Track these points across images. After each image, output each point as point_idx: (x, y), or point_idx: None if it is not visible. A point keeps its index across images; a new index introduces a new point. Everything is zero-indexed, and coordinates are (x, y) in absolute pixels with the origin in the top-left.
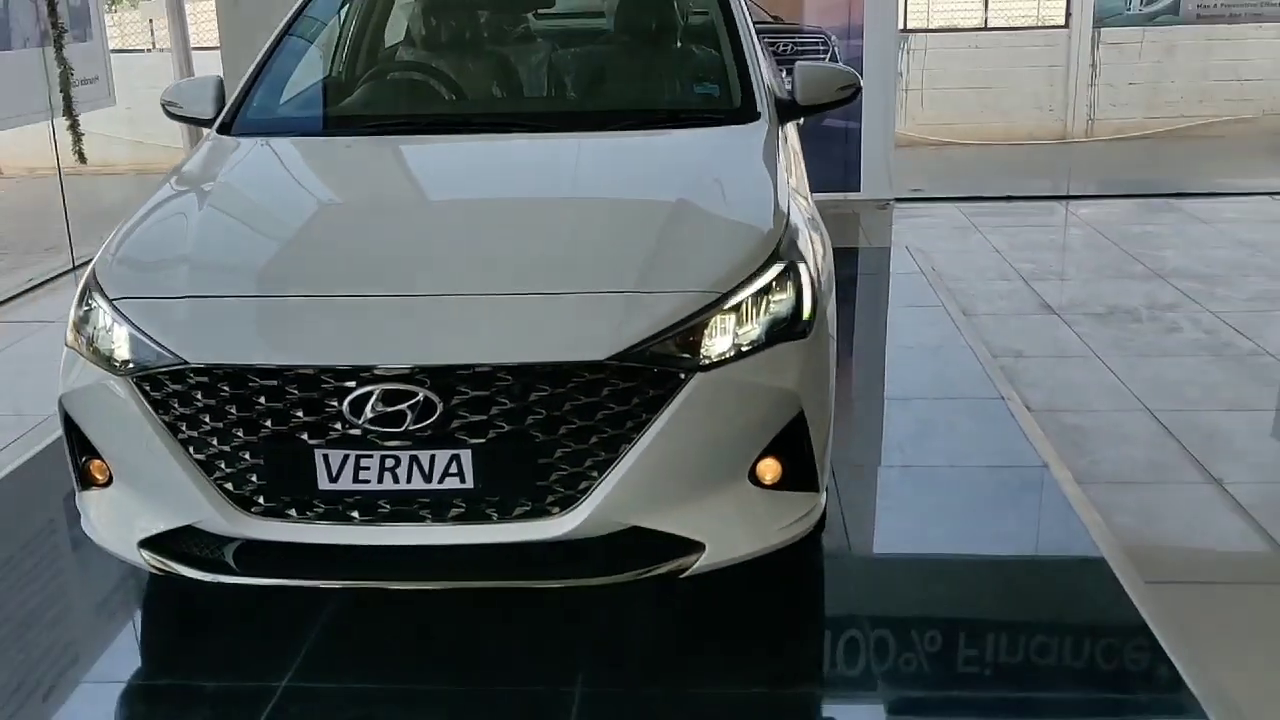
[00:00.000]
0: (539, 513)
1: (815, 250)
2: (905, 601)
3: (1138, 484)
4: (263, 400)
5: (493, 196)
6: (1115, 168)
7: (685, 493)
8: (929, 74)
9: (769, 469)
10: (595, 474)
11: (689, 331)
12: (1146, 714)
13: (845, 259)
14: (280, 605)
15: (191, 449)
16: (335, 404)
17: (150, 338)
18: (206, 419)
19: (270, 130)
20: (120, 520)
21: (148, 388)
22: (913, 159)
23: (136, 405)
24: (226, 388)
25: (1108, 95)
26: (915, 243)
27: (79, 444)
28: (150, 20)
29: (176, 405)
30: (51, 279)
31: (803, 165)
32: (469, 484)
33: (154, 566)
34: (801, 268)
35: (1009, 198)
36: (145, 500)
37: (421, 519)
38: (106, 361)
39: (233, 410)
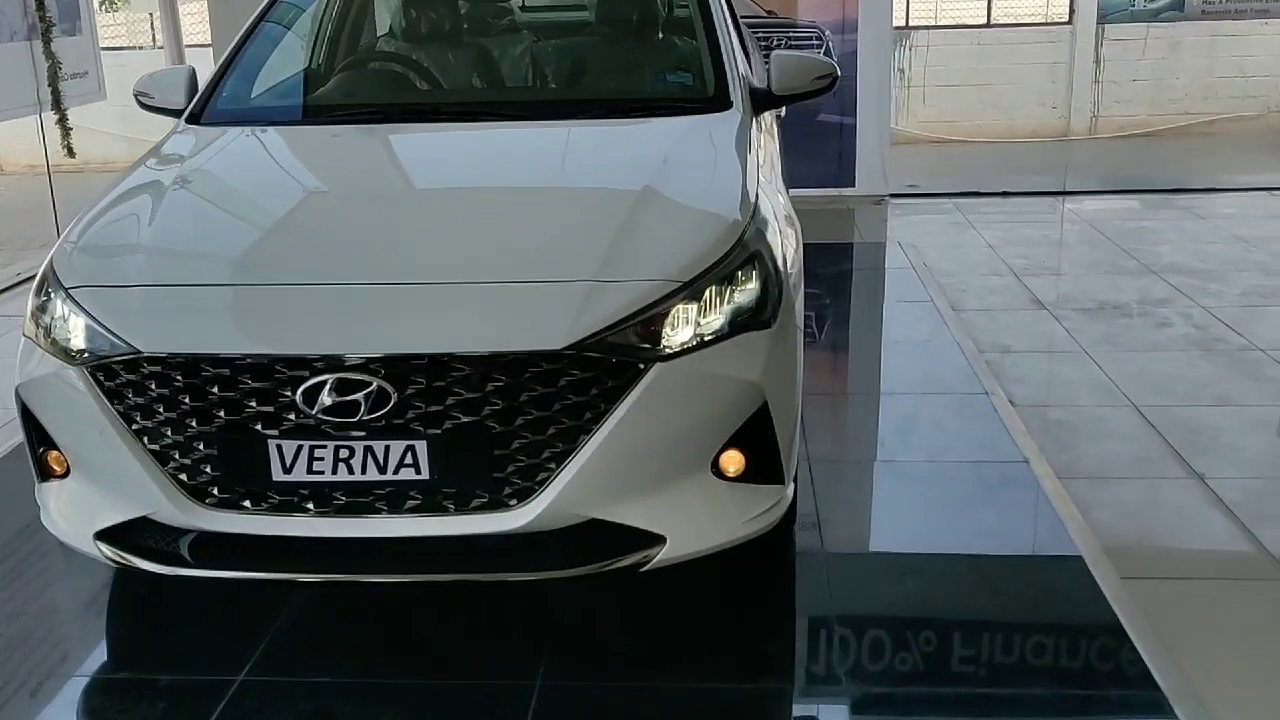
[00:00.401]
0: (496, 505)
1: (785, 241)
2: (877, 598)
3: (1119, 480)
4: (216, 390)
5: (455, 185)
6: (1117, 165)
7: (646, 485)
8: (931, 71)
9: (732, 461)
10: (553, 466)
11: (649, 321)
12: (1114, 712)
13: (837, 254)
14: (244, 598)
15: (146, 439)
16: (288, 394)
17: (104, 326)
18: (160, 409)
19: (240, 120)
20: (77, 512)
21: (102, 377)
22: (913, 156)
23: (91, 395)
24: (180, 377)
25: (1111, 92)
26: (908, 238)
27: (36, 435)
28: (151, 14)
29: (130, 395)
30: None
31: (777, 156)
32: (424, 475)
33: (110, 559)
34: (767, 257)
35: (1005, 194)
36: (101, 492)
37: (377, 511)
38: (62, 351)
39: (186, 400)
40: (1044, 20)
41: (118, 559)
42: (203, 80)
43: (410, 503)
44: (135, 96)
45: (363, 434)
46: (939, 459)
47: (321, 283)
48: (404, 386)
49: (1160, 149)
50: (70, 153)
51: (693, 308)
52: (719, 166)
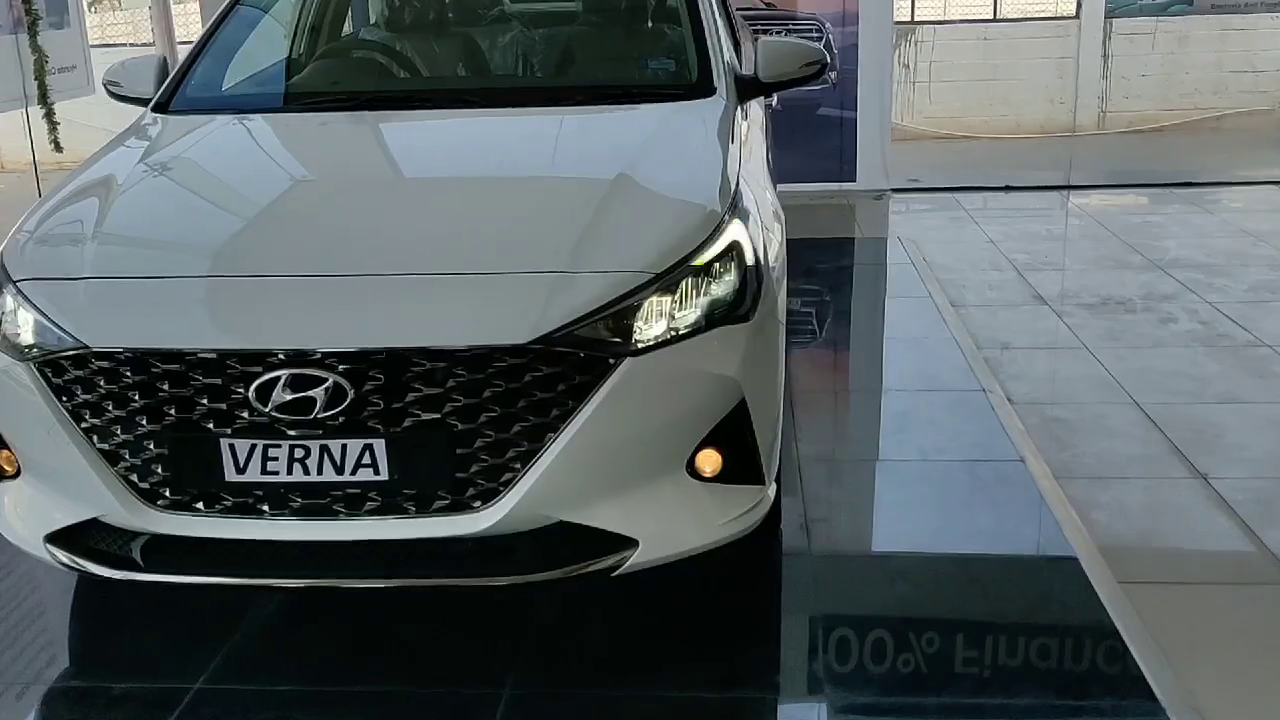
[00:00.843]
0: (459, 506)
1: (768, 233)
2: (864, 601)
3: (1118, 479)
4: (166, 387)
5: (422, 174)
6: (1124, 160)
7: (618, 485)
8: (937, 66)
9: (709, 460)
10: (519, 465)
11: (620, 314)
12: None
13: (836, 249)
14: (206, 602)
15: (95, 438)
16: (241, 390)
17: (51, 321)
18: (110, 407)
19: (209, 108)
20: (28, 514)
21: (50, 374)
22: (918, 152)
23: (39, 392)
24: (129, 373)
25: (1119, 87)
26: (908, 233)
27: None
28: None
29: (79, 392)
30: None
31: (765, 146)
32: (383, 476)
33: (62, 564)
34: (747, 248)
35: (1008, 188)
36: (51, 493)
37: (335, 513)
38: (11, 346)
39: (136, 397)
40: (1051, 15)
41: (70, 564)
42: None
43: (370, 504)
44: (104, 85)
45: (319, 433)
46: (932, 458)
47: (277, 274)
48: (361, 383)
49: (1168, 144)
50: (57, 147)
51: (667, 300)
52: (698, 154)
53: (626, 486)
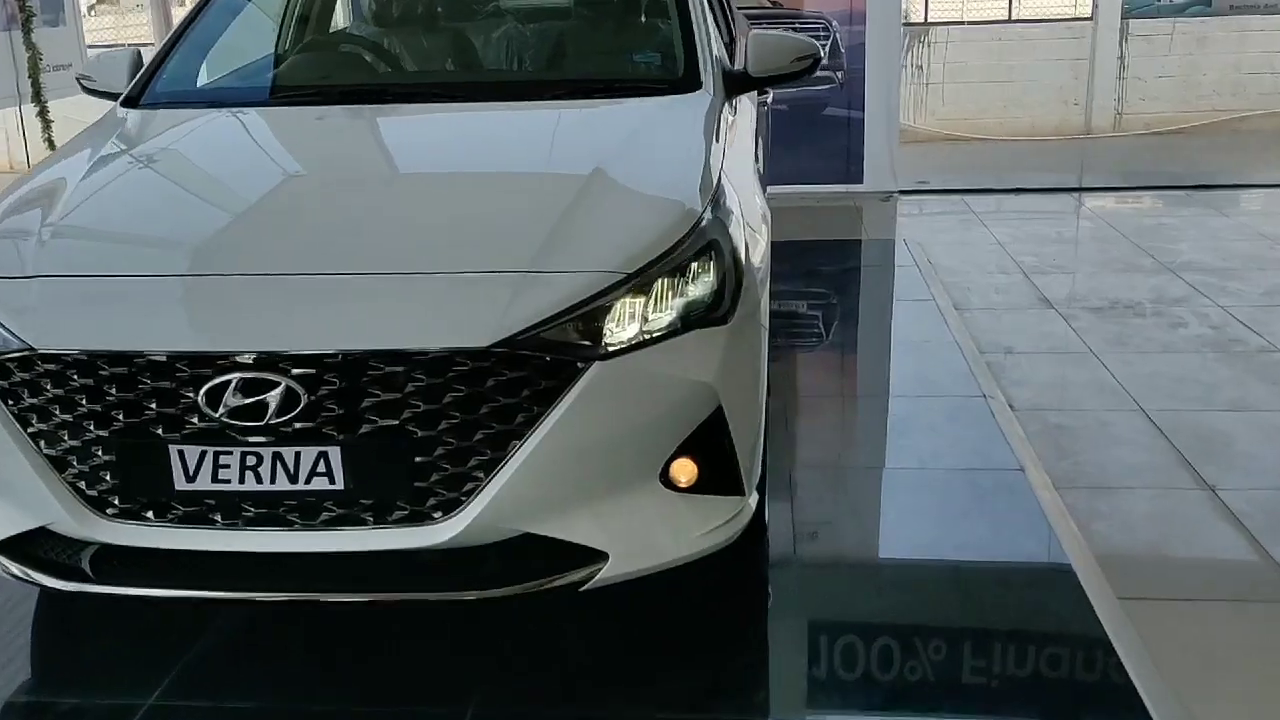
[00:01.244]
0: (418, 517)
1: (753, 233)
2: (852, 613)
3: (1121, 489)
4: (114, 390)
5: (393, 170)
6: (1140, 162)
7: (586, 496)
8: (950, 68)
9: (684, 470)
10: (481, 475)
11: (589, 316)
12: None
13: (840, 252)
14: (165, 615)
15: (42, 444)
16: (191, 394)
17: None
18: (57, 411)
19: (180, 103)
20: None
21: None
22: (929, 154)
23: None
24: (76, 376)
25: (1136, 89)
26: (914, 235)
27: None
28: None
29: (26, 395)
30: None
31: (753, 142)
32: (339, 485)
33: (11, 574)
34: (726, 248)
35: (1018, 190)
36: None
37: (289, 523)
38: None
39: (83, 401)
40: (1066, 16)
41: (19, 574)
42: None
43: (325, 515)
44: (78, 80)
45: (271, 439)
46: (928, 466)
47: (229, 273)
48: (315, 387)
49: (1186, 146)
50: (51, 146)
51: (640, 302)
52: (679, 150)
53: (596, 497)
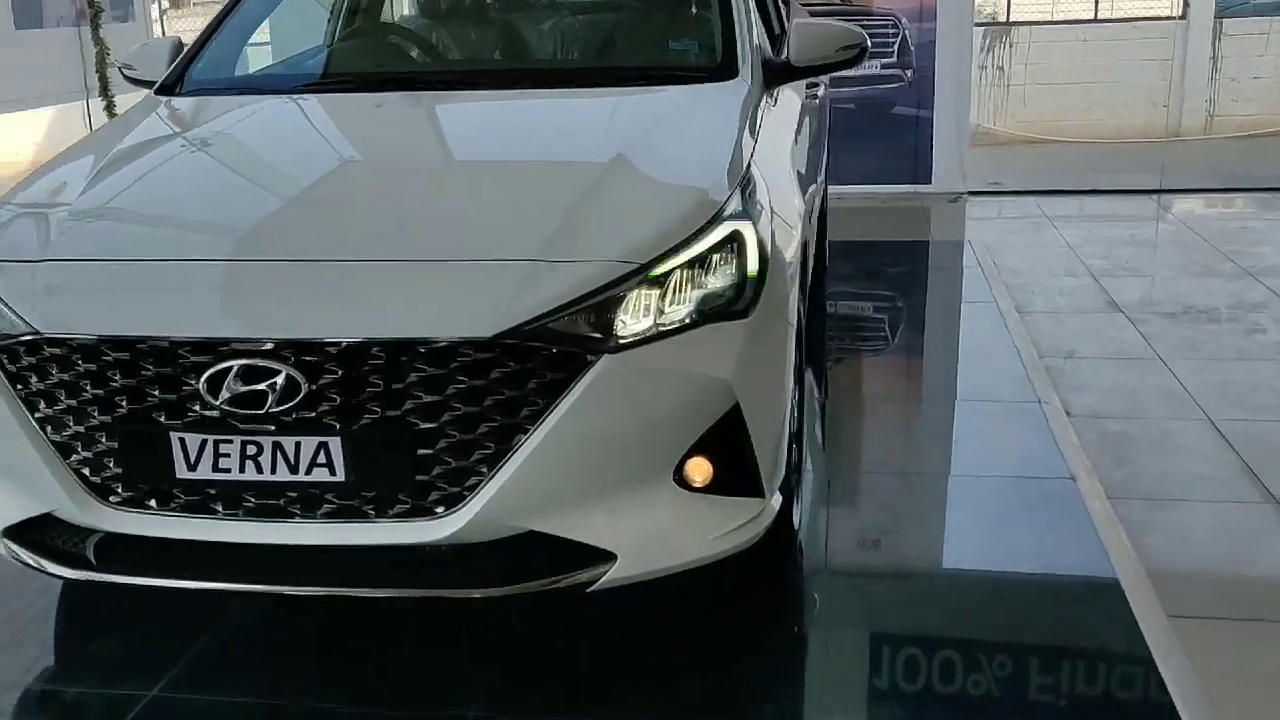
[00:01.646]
0: (420, 512)
1: (785, 226)
2: (880, 623)
3: (1179, 501)
4: (117, 376)
5: (413, 157)
6: (1228, 164)
7: (594, 494)
8: (1032, 69)
9: (699, 469)
10: (485, 469)
11: (599, 307)
12: None
13: (903, 253)
14: (177, 607)
15: (49, 429)
16: (192, 381)
17: (7, 304)
18: (62, 396)
19: (213, 91)
20: None
21: (6, 360)
22: (1006, 156)
23: None
24: (80, 361)
25: (1229, 90)
26: (982, 237)
27: None
28: None
29: (34, 380)
30: None
31: (796, 134)
32: (340, 476)
33: (20, 560)
34: (750, 240)
35: (1094, 192)
36: (9, 485)
37: (291, 515)
38: None
39: (88, 387)
40: (1155, 15)
41: (27, 561)
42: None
43: (326, 507)
44: (119, 69)
45: (271, 428)
46: (974, 473)
47: (233, 259)
48: (316, 376)
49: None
50: None
51: (654, 293)
52: (706, 139)
53: (605, 495)
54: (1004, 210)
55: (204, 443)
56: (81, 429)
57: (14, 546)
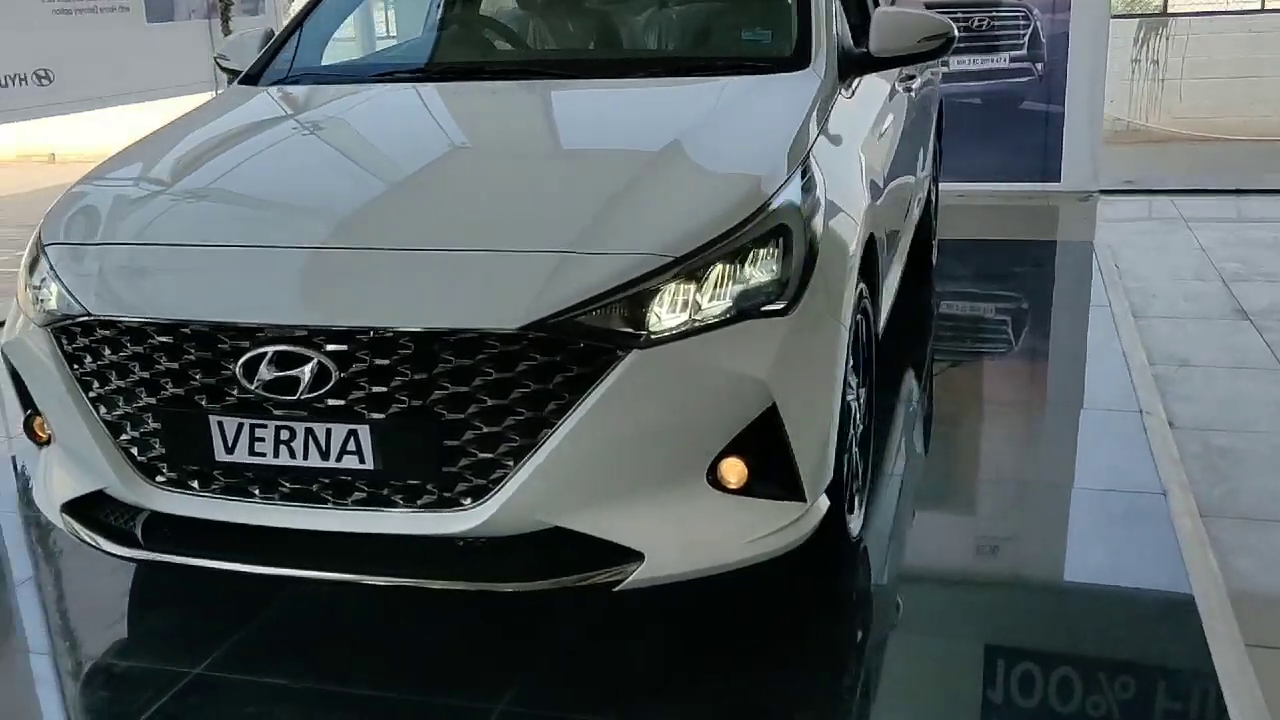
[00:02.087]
0: (446, 503)
1: (850, 223)
2: (937, 631)
3: (1278, 523)
4: (162, 359)
5: (463, 146)
6: None
7: (622, 492)
8: (1190, 62)
9: (733, 470)
10: (511, 462)
11: (631, 301)
12: None
13: (1022, 253)
14: (233, 587)
15: (101, 409)
16: (230, 366)
17: (65, 286)
18: (112, 376)
19: (295, 81)
20: (51, 482)
21: (64, 340)
22: (1155, 154)
23: (53, 358)
24: (129, 343)
25: None
26: (1108, 238)
27: (22, 399)
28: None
29: (87, 360)
30: None
31: (869, 128)
32: (369, 464)
33: (76, 535)
34: (799, 234)
35: (1238, 191)
36: (68, 462)
37: (323, 501)
38: (35, 310)
39: (135, 368)
40: None
41: (83, 536)
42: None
43: (357, 494)
44: (215, 60)
45: (304, 414)
46: (1057, 483)
47: (269, 246)
48: (347, 364)
49: None
50: None
51: (690, 287)
52: (765, 130)
53: (634, 493)
54: (1136, 210)
55: (240, 426)
56: (129, 409)
57: (72, 522)
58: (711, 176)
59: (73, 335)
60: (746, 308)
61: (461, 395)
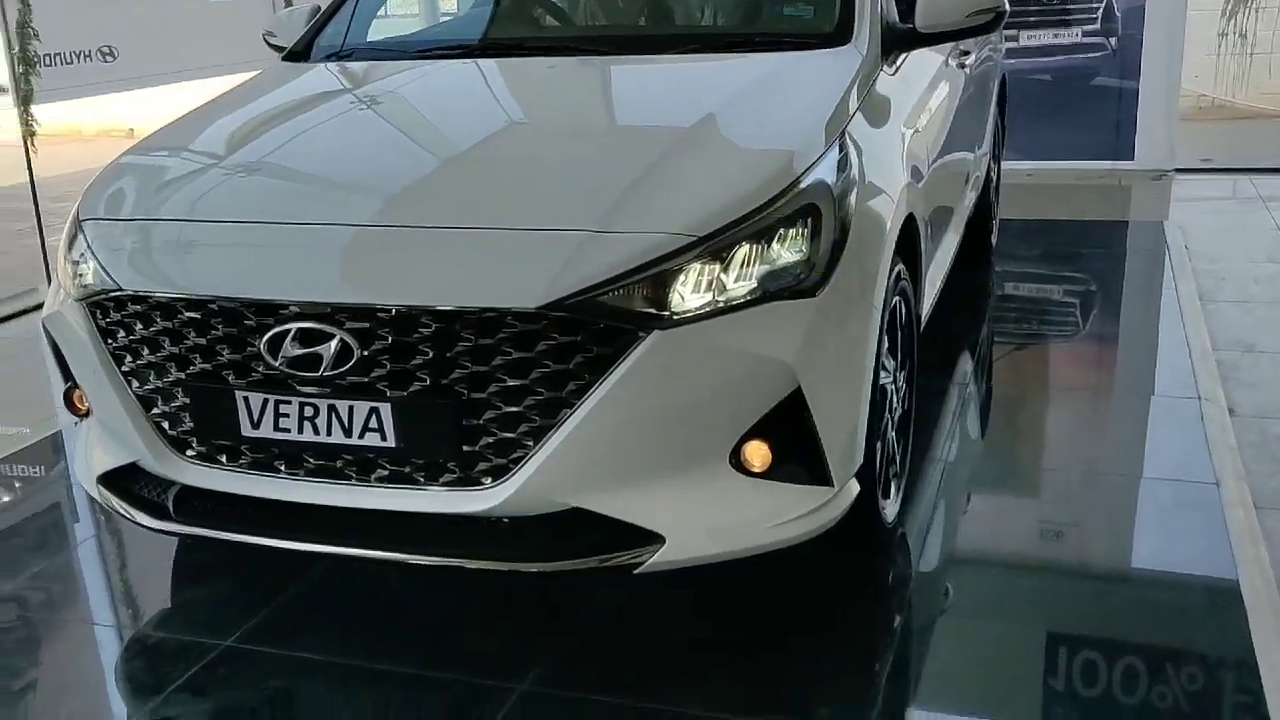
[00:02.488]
0: (467, 482)
1: (888, 202)
2: (970, 617)
3: None
4: (191, 334)
5: (497, 124)
6: None
7: (642, 473)
8: None
9: (756, 454)
10: (530, 442)
11: (653, 281)
12: None
13: (1090, 234)
14: (265, 562)
15: (134, 383)
16: (255, 342)
17: (99, 261)
18: (144, 351)
19: (341, 57)
20: (89, 453)
21: (98, 314)
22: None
23: (88, 333)
24: (159, 318)
25: None
26: (1179, 218)
27: (63, 371)
28: None
29: (120, 335)
30: None
31: (915, 105)
32: (390, 442)
33: (111, 506)
34: (828, 213)
35: None
36: (104, 434)
37: (347, 477)
38: (72, 284)
39: (166, 343)
40: None
41: (118, 508)
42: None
43: (380, 472)
44: (263, 36)
45: (327, 391)
46: (1106, 471)
47: (294, 222)
48: (369, 341)
49: None
50: None
51: (714, 267)
52: (800, 106)
53: (654, 476)
54: (1214, 189)
55: (265, 402)
56: (160, 383)
57: (108, 494)
58: (742, 154)
59: (106, 310)
60: (773, 289)
61: (481, 374)
